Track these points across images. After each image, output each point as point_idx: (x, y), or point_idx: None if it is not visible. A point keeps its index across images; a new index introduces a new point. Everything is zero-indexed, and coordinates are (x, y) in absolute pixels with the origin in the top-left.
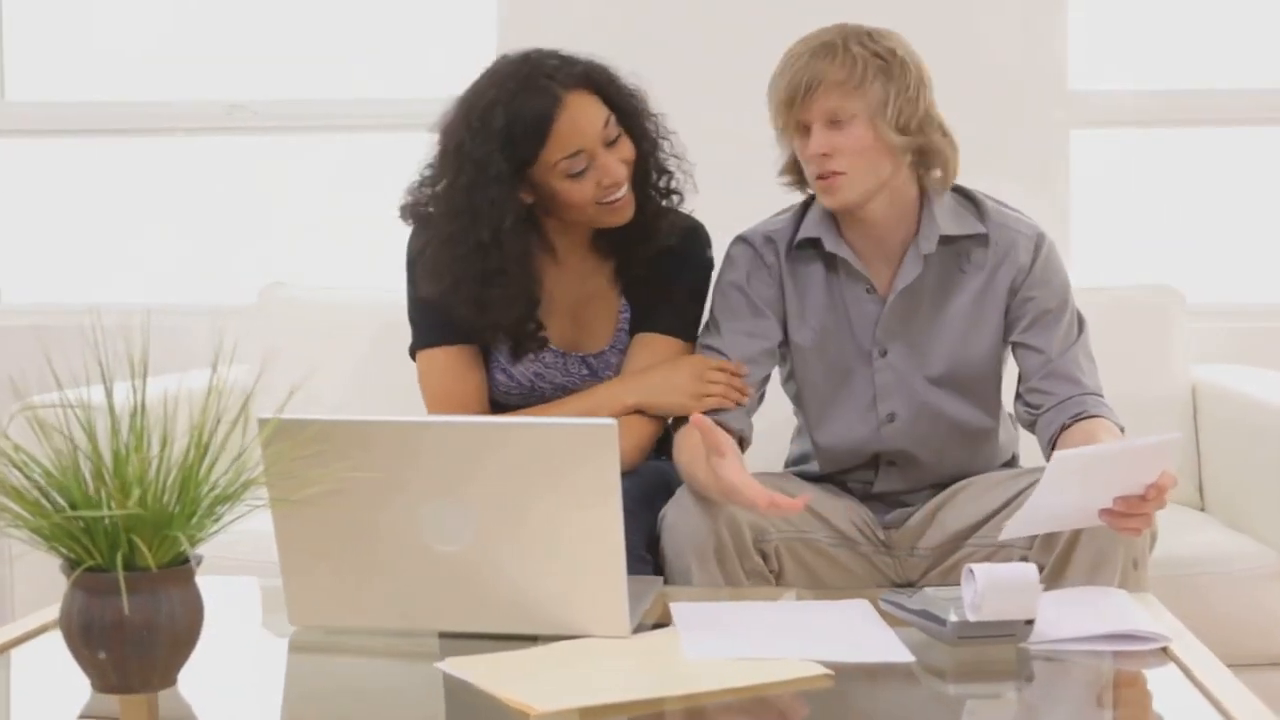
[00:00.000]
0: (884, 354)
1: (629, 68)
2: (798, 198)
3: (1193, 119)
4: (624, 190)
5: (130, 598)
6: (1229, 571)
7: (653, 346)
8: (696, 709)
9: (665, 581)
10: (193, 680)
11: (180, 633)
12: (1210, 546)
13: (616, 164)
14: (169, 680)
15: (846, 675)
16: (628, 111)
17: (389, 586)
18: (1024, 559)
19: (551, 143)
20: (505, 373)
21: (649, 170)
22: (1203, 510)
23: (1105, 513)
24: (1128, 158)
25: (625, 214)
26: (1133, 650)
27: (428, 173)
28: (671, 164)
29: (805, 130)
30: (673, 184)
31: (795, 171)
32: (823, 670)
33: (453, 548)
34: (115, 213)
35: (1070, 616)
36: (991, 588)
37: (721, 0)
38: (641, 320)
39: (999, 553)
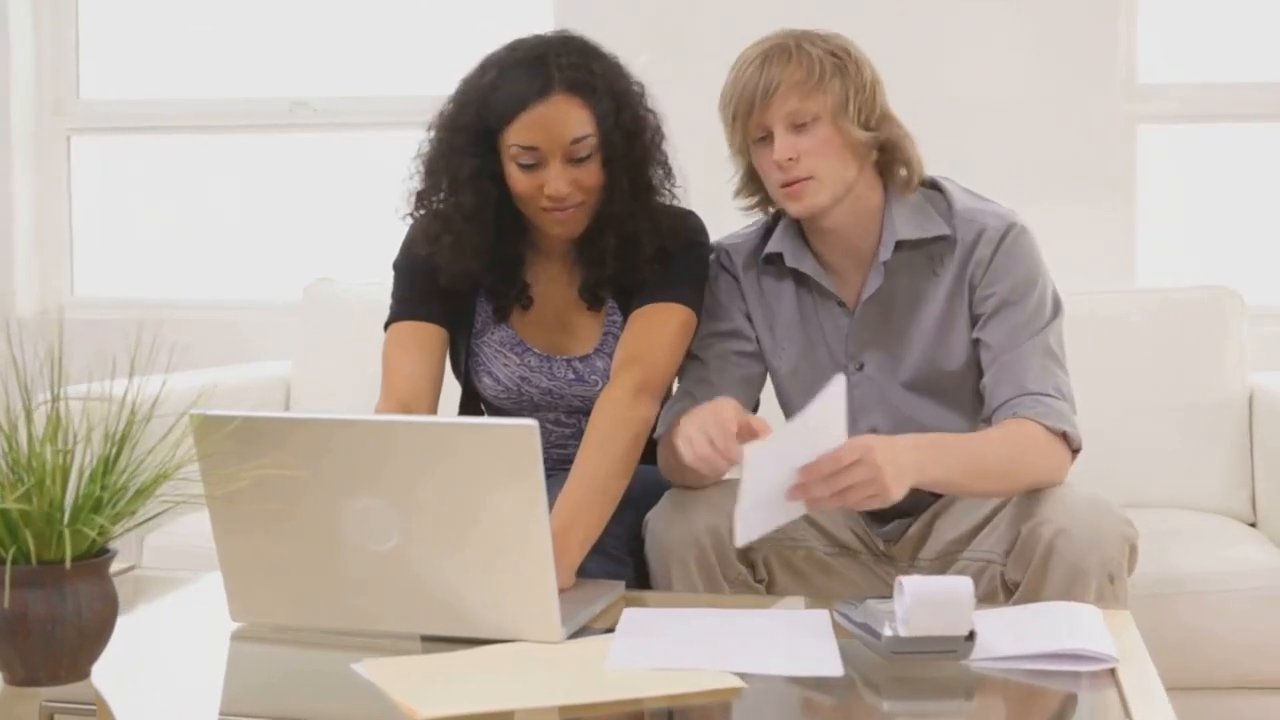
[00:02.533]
0: (860, 367)
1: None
2: None
3: (1261, 114)
4: (569, 208)
5: (34, 591)
6: (1237, 589)
7: (651, 314)
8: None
9: (651, 586)
10: (129, 673)
11: (88, 627)
12: (1234, 561)
13: (565, 180)
14: (80, 674)
15: (763, 688)
16: (624, 134)
17: (325, 585)
18: (1002, 574)
19: (515, 125)
20: (491, 375)
21: (629, 201)
22: (1254, 525)
23: (789, 491)
24: (1187, 154)
25: (568, 229)
26: (1077, 670)
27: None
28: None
29: (766, 139)
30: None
31: (754, 189)
32: (736, 683)
33: (383, 547)
34: (183, 208)
35: (1020, 633)
36: (919, 602)
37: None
38: (638, 299)
39: (989, 566)
